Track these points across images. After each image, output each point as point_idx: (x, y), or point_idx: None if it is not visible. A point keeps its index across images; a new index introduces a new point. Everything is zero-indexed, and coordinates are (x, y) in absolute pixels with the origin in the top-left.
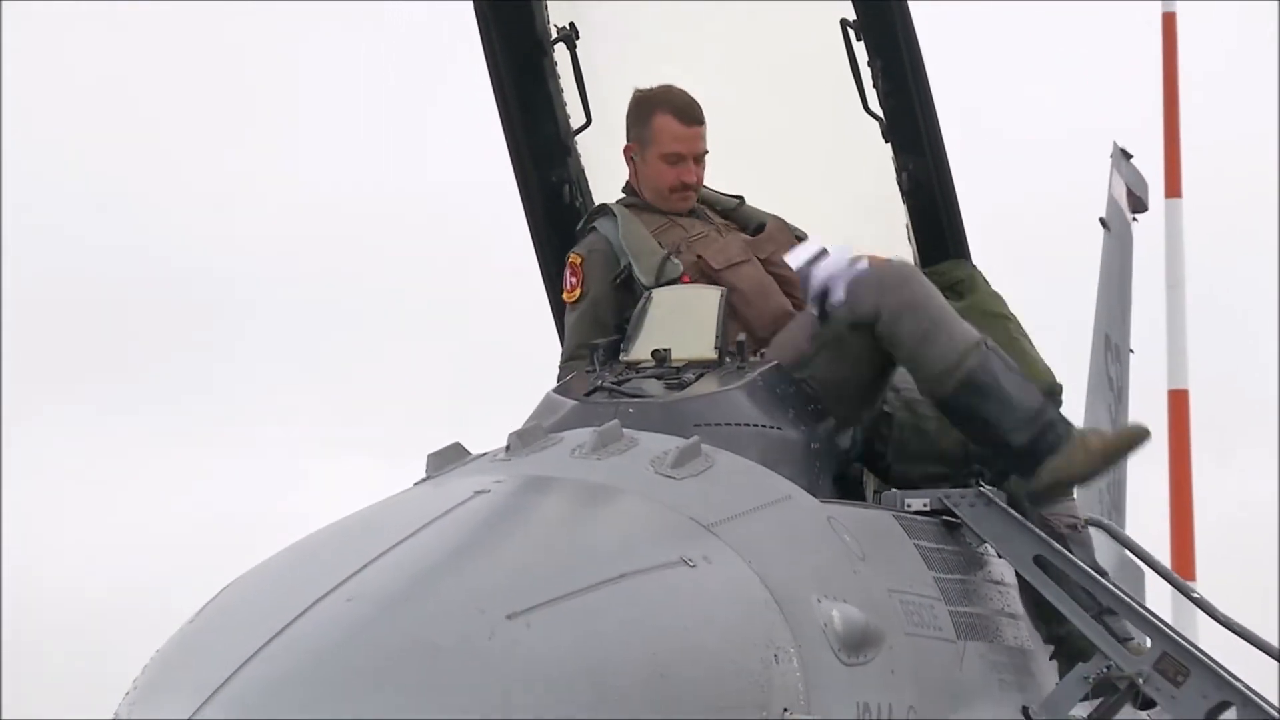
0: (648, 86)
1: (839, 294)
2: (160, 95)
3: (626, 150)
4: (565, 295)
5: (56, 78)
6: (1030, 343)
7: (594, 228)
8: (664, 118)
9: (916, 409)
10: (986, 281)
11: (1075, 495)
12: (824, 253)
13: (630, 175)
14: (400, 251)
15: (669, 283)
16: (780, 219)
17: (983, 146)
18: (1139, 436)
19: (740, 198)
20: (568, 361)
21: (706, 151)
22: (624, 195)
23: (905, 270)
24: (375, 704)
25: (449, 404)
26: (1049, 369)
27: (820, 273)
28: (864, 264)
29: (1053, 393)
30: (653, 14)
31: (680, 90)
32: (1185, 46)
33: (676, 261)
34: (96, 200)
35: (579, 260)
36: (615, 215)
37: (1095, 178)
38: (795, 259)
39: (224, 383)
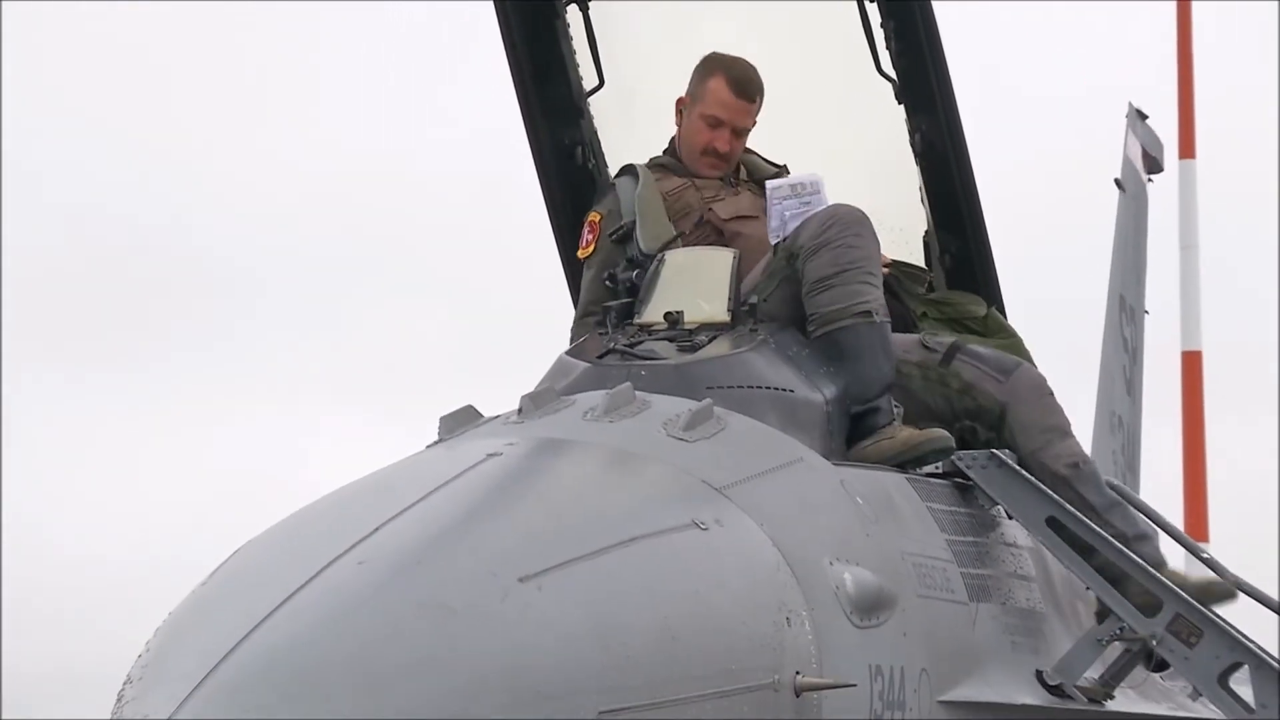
0: (719, 52)
1: (790, 227)
2: (170, 63)
3: (679, 103)
4: (580, 252)
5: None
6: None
7: (614, 185)
8: (718, 80)
9: (900, 368)
10: (1002, 322)
11: (1074, 433)
12: (797, 187)
13: (676, 124)
14: (412, 214)
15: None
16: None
17: (997, 107)
18: (933, 445)
19: (783, 167)
20: (581, 319)
21: (751, 127)
22: (662, 153)
23: (852, 216)
24: (387, 667)
25: (461, 366)
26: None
27: (783, 207)
28: (824, 202)
29: None
30: None
31: (748, 64)
32: (1199, 8)
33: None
34: (105, 169)
35: (597, 219)
36: (638, 176)
37: (1110, 138)
38: (770, 191)
39: (234, 347)
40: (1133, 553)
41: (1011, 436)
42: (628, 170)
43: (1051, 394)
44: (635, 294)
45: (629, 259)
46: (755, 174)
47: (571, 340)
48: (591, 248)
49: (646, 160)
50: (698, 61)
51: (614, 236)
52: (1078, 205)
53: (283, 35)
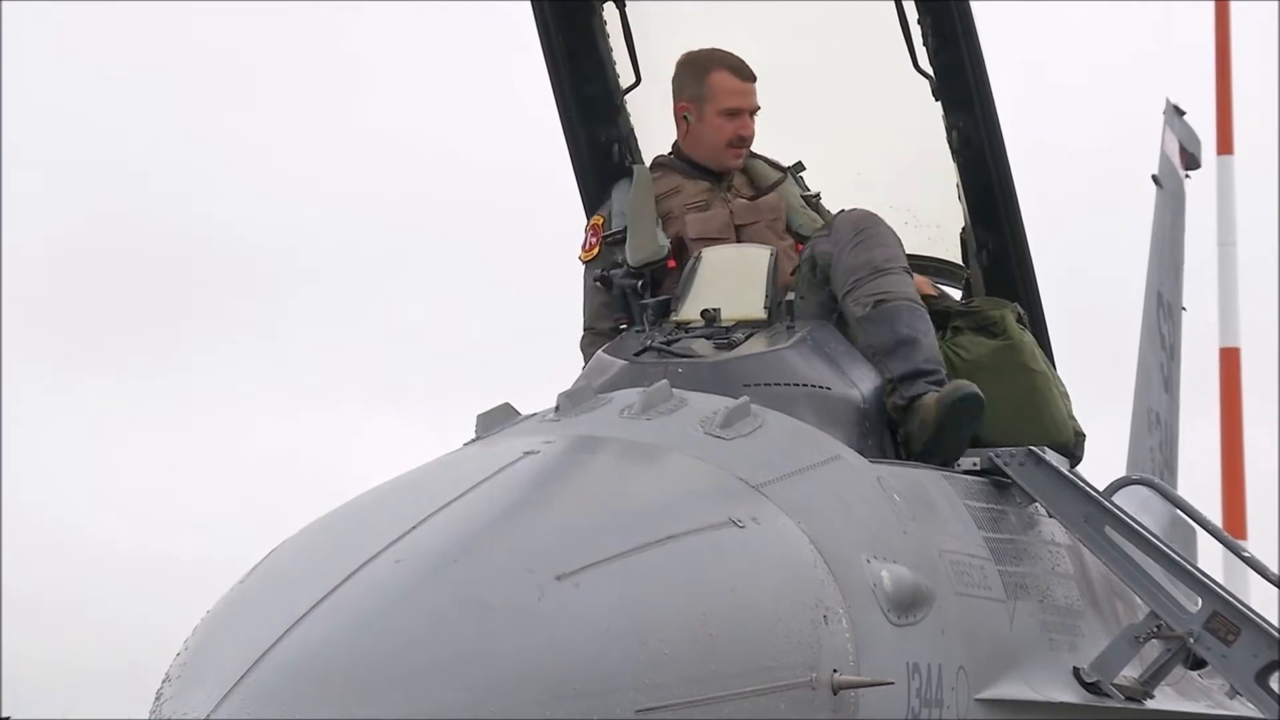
0: (693, 49)
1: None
2: (203, 53)
3: (679, 110)
4: (582, 255)
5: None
6: (1058, 394)
7: (614, 188)
8: (721, 74)
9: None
10: (1023, 326)
11: (897, 268)
12: None
13: (680, 136)
14: (451, 212)
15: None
16: (792, 186)
17: (1035, 103)
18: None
19: (784, 169)
20: (589, 331)
21: (759, 108)
22: (666, 154)
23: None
24: (425, 665)
25: (498, 364)
26: (1069, 423)
27: None
28: None
29: (1066, 444)
30: None
31: (727, 50)
32: (1238, 6)
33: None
34: (144, 155)
35: (599, 222)
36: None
37: (1147, 134)
38: None
39: (274, 345)
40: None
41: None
42: (629, 172)
43: (874, 226)
44: (628, 301)
45: (620, 265)
46: (758, 180)
47: (584, 355)
48: (595, 251)
49: (651, 160)
50: (676, 70)
51: (609, 240)
52: (1115, 202)
53: (321, 30)
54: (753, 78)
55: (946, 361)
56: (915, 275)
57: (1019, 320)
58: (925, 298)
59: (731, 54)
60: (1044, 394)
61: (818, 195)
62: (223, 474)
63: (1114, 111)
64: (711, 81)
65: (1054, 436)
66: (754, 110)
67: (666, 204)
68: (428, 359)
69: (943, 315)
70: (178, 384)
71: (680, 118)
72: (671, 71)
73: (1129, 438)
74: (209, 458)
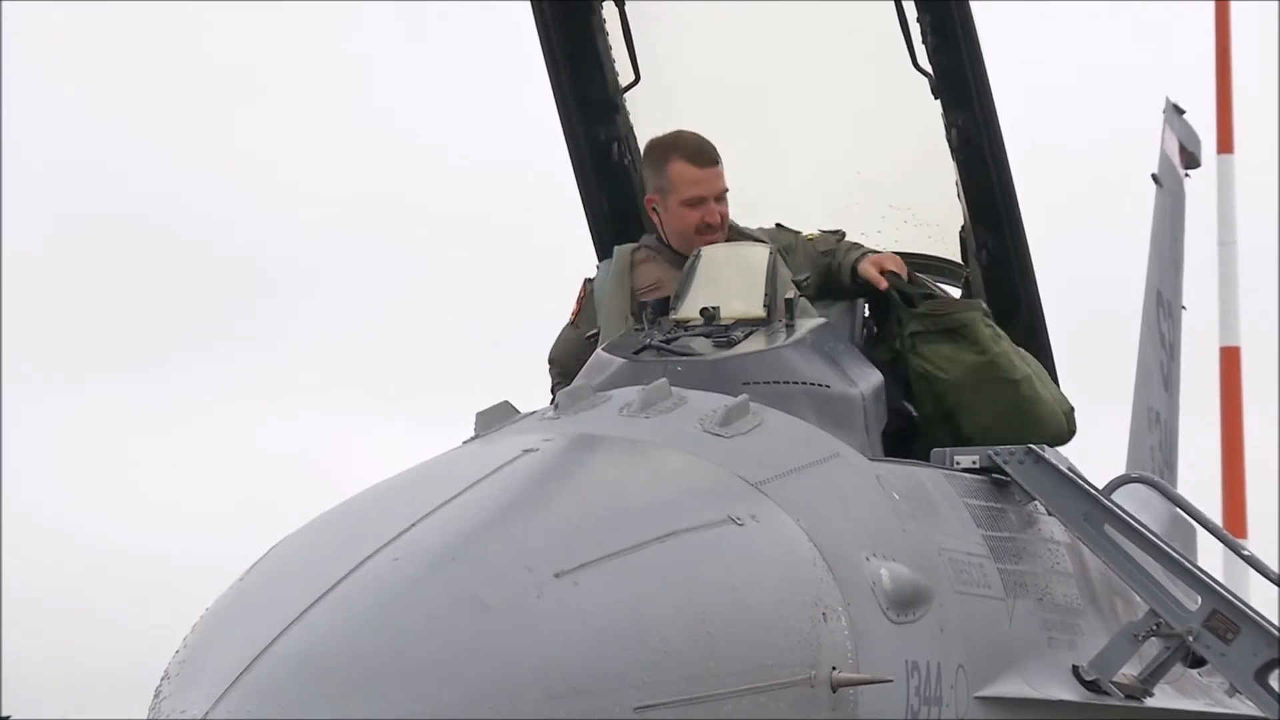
0: (657, 136)
1: None
2: (203, 56)
3: (648, 202)
4: (570, 315)
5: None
6: (1041, 389)
7: (599, 267)
8: (678, 164)
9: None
10: (994, 333)
11: None
12: None
13: (655, 224)
14: (447, 212)
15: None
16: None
17: (1034, 101)
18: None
19: (763, 233)
20: (551, 366)
21: (726, 189)
22: (653, 237)
23: None
24: (423, 663)
25: (497, 362)
26: (1057, 411)
27: None
28: None
29: (1059, 433)
30: None
31: (691, 133)
32: (1238, 3)
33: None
34: (145, 156)
35: (584, 293)
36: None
37: (1147, 133)
38: None
39: (277, 345)
40: None
41: None
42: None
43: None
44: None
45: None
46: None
47: (552, 388)
48: (575, 316)
49: (638, 241)
50: (643, 158)
51: (586, 339)
52: (1115, 201)
53: (321, 31)
54: (714, 161)
55: (924, 378)
56: (880, 251)
57: (986, 316)
58: (889, 274)
59: (692, 137)
60: (1030, 399)
61: (840, 233)
62: (223, 474)
63: (1113, 111)
64: (670, 173)
65: (1048, 433)
66: (719, 194)
67: (652, 295)
68: (428, 359)
69: (905, 298)
70: (177, 384)
71: (650, 209)
72: (671, 69)
73: (1129, 436)
74: (209, 458)
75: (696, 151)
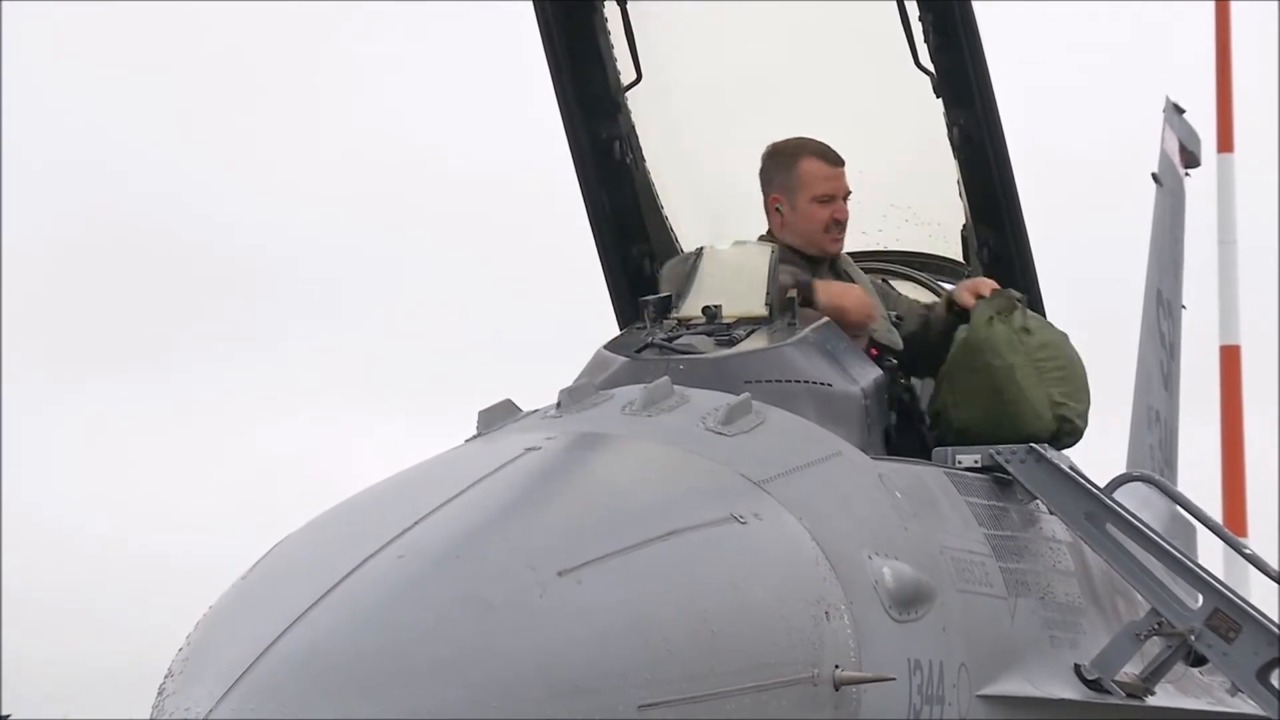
0: (779, 140)
1: None
2: (205, 56)
3: (771, 202)
4: None
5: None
6: (1034, 381)
7: None
8: (810, 162)
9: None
10: (987, 319)
11: None
12: None
13: (774, 226)
14: (448, 211)
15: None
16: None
17: (1035, 100)
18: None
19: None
20: None
21: (850, 192)
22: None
23: None
24: (426, 662)
25: (499, 361)
26: (1046, 409)
27: None
28: None
29: (1045, 430)
30: None
31: (814, 138)
32: (1238, 3)
33: None
34: (144, 156)
35: None
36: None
37: (1147, 132)
38: None
39: (276, 345)
40: None
41: None
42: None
43: None
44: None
45: None
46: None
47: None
48: None
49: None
50: (764, 161)
51: None
52: (1115, 200)
53: (321, 31)
54: (841, 162)
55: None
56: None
57: (1013, 307)
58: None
59: (819, 141)
60: (1011, 388)
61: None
62: (223, 474)
63: (1113, 110)
64: (801, 170)
65: (1032, 426)
66: (846, 194)
67: None
68: (428, 359)
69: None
70: (177, 384)
71: (772, 209)
72: (673, 68)
73: (1129, 435)
74: (209, 458)
75: (827, 151)
